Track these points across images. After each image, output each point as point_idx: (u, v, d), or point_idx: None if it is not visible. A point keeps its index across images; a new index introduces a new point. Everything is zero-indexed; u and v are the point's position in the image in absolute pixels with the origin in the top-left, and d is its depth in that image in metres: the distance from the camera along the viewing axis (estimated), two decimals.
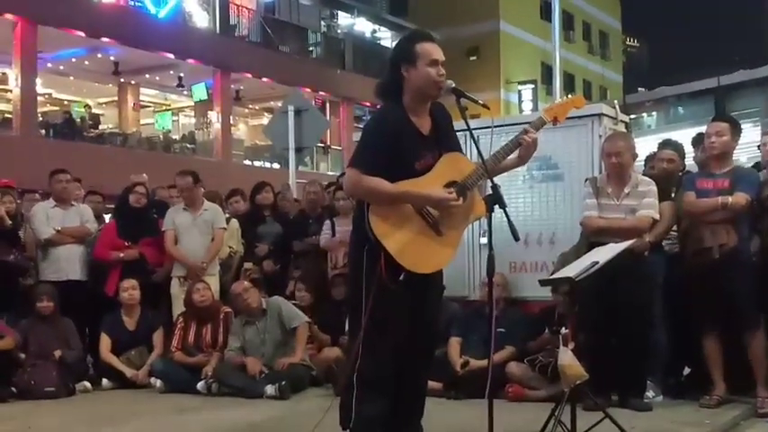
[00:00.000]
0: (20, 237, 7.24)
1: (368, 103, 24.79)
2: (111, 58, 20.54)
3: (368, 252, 3.44)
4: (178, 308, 7.06)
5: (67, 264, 7.15)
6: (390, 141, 3.49)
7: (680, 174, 6.04)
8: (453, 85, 3.60)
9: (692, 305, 5.33)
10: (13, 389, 6.26)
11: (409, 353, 3.59)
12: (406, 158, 3.50)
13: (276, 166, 21.49)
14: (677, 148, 6.12)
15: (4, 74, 19.30)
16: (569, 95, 4.05)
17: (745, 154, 8.78)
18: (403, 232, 3.43)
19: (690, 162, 6.48)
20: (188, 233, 7.23)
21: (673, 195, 5.69)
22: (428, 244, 3.49)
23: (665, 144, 6.16)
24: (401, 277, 3.41)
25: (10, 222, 6.89)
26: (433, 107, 3.68)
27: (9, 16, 17.18)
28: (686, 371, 5.99)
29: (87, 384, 6.64)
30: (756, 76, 11.93)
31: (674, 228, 5.67)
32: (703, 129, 5.75)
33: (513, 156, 3.73)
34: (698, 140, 6.30)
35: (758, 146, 6.57)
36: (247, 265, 7.66)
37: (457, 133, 3.82)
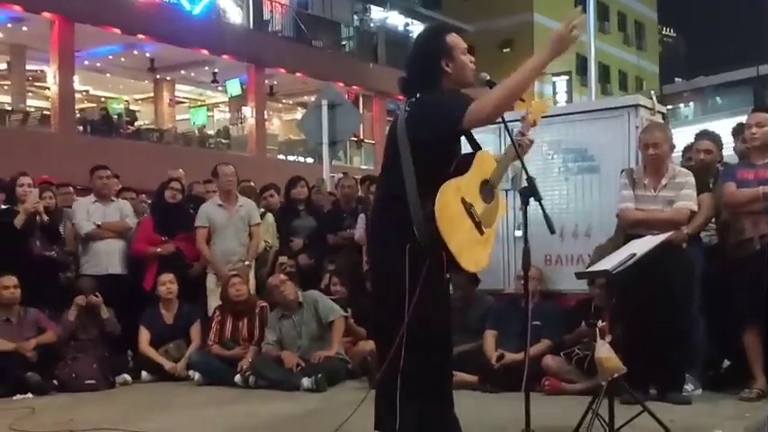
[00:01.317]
0: (60, 232, 7.36)
1: (401, 97, 24.71)
2: (147, 54, 20.79)
3: (410, 250, 3.36)
4: (214, 302, 7.13)
5: (107, 258, 7.26)
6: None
7: (718, 165, 5.97)
8: (488, 77, 3.58)
9: (732, 298, 5.26)
10: (55, 381, 6.37)
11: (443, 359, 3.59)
12: (458, 143, 3.51)
13: (310, 160, 21.61)
14: (715, 138, 6.03)
15: (42, 71, 19.62)
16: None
17: None
18: (461, 231, 3.38)
19: (729, 152, 6.39)
20: (224, 230, 7.30)
21: (711, 186, 5.61)
22: (476, 243, 3.47)
23: (703, 135, 6.08)
24: (448, 275, 3.39)
25: (47, 218, 7.01)
26: None
27: (47, 15, 17.47)
28: (726, 364, 5.92)
29: (127, 377, 6.74)
30: None
31: (713, 220, 5.60)
32: (742, 119, 5.67)
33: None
34: (738, 131, 6.20)
35: None
36: (282, 258, 7.72)
37: (491, 126, 3.83)
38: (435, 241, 3.32)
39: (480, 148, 3.70)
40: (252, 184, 8.92)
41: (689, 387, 5.28)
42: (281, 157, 24.01)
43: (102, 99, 22.68)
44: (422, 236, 3.32)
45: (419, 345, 3.39)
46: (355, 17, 27.07)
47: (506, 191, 3.82)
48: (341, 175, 9.56)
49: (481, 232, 3.47)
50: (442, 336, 3.52)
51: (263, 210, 7.96)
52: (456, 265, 3.38)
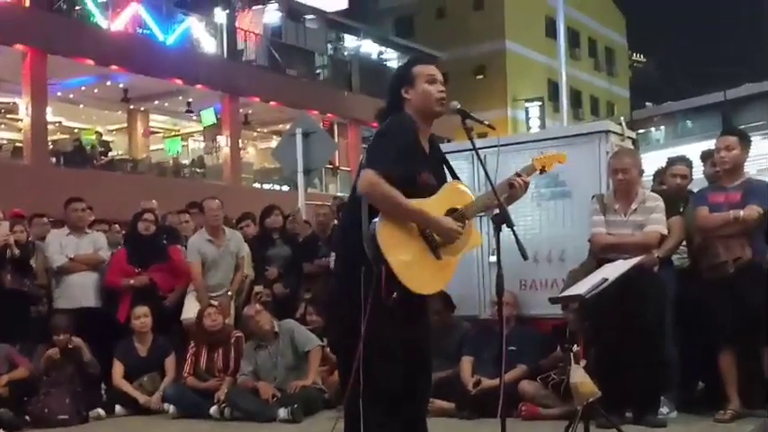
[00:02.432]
0: (31, 266, 7.27)
1: (375, 125, 24.83)
2: (121, 85, 20.73)
3: (365, 273, 3.39)
4: (190, 305, 7.13)
5: (81, 291, 7.19)
6: (403, 147, 3.48)
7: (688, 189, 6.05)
8: (459, 105, 3.63)
9: (706, 320, 5.31)
10: (27, 417, 6.27)
11: (407, 376, 3.57)
12: (412, 169, 3.51)
13: (285, 188, 21.58)
14: (689, 163, 6.13)
15: (14, 103, 19.49)
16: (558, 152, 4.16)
17: (754, 166, 8.77)
18: (406, 250, 3.43)
19: (699, 176, 6.48)
20: (215, 266, 7.27)
21: (681, 210, 5.69)
22: (428, 266, 3.49)
23: (678, 160, 6.16)
24: (394, 295, 3.38)
25: (18, 251, 6.94)
26: (431, 138, 3.72)
27: (19, 47, 17.40)
28: (700, 385, 5.96)
29: (101, 411, 6.64)
30: (763, 89, 11.92)
31: (684, 243, 5.66)
32: (711, 143, 5.75)
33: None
34: (707, 155, 6.29)
35: None
36: (258, 288, 7.69)
37: (463, 153, 3.86)
38: (380, 257, 3.35)
39: (458, 177, 3.75)
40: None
41: (664, 410, 5.30)
42: (257, 185, 23.98)
43: (76, 130, 22.55)
44: (368, 252, 3.36)
45: (375, 363, 3.39)
46: (329, 46, 27.23)
47: (479, 217, 3.84)
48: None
49: (438, 256, 3.49)
50: (396, 352, 3.48)
51: None
52: (400, 282, 3.38)
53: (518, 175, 3.74)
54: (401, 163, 3.44)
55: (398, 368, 3.49)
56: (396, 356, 3.48)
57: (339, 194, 18.05)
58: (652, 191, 5.65)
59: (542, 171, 3.96)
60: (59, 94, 20.06)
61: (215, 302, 6.96)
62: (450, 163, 3.78)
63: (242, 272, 7.45)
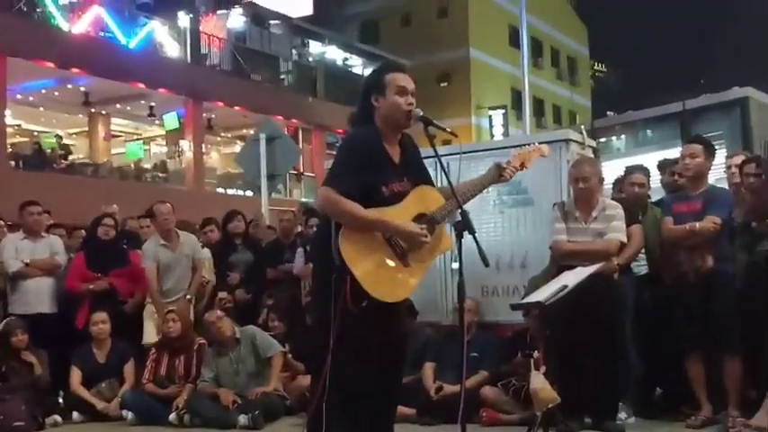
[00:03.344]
0: None
1: (340, 130, 24.89)
2: (82, 88, 20.45)
3: (335, 280, 3.43)
4: (148, 333, 7.02)
5: (36, 297, 7.08)
6: (363, 161, 3.51)
7: (648, 197, 6.14)
8: (421, 113, 3.65)
9: (666, 327, 5.38)
10: None
11: (377, 381, 3.58)
12: (375, 181, 3.53)
13: (249, 193, 21.43)
14: (646, 172, 6.22)
15: None
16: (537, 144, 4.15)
17: (711, 176, 8.90)
18: (371, 259, 3.45)
19: (656, 185, 6.57)
20: (170, 271, 7.17)
21: (640, 218, 5.76)
22: (394, 273, 3.50)
23: (635, 169, 6.25)
24: (364, 303, 3.41)
25: None
26: (403, 138, 3.72)
27: None
28: (658, 391, 6.04)
29: (57, 418, 6.54)
30: (720, 100, 12.19)
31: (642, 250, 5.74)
32: (670, 152, 5.84)
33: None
34: (663, 165, 6.40)
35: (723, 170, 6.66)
36: (222, 294, 7.63)
37: (426, 160, 3.87)
38: (346, 269, 3.38)
39: (432, 184, 3.76)
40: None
41: (622, 415, 5.37)
42: (220, 190, 23.80)
43: (35, 133, 22.19)
44: (337, 264, 3.40)
45: (341, 373, 3.41)
46: (294, 51, 27.15)
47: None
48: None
49: (405, 264, 3.50)
50: (365, 357, 3.50)
51: (201, 244, 7.86)
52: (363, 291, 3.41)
53: (504, 169, 3.83)
54: (360, 178, 3.47)
55: (368, 372, 3.50)
56: (365, 361, 3.49)
57: (304, 200, 18.01)
58: (612, 199, 5.72)
59: (522, 167, 3.95)
60: (19, 96, 19.73)
61: (172, 308, 6.88)
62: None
63: (199, 274, 7.34)
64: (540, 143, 4.06)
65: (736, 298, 5.16)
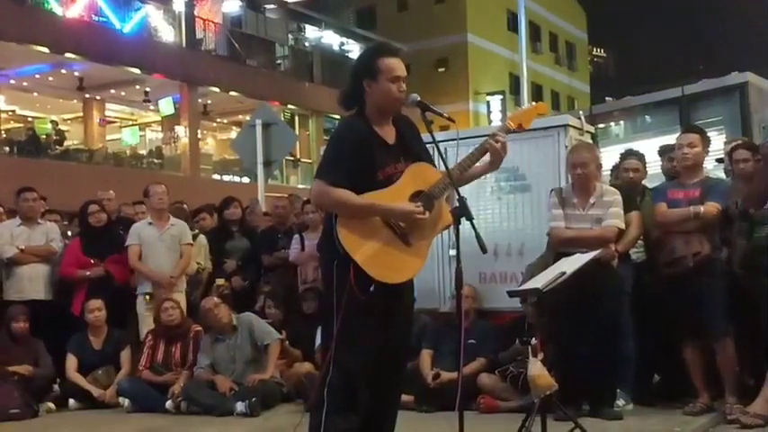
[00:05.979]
0: None
1: (337, 116, 24.82)
2: (76, 73, 20.36)
3: (337, 266, 3.43)
4: (145, 326, 6.97)
5: (31, 283, 7.04)
6: (353, 152, 3.49)
7: (644, 183, 6.10)
8: (418, 98, 3.59)
9: (663, 314, 5.36)
10: None
11: (381, 367, 3.56)
12: (368, 168, 3.50)
13: (246, 180, 21.41)
14: (641, 157, 6.17)
15: None
16: (533, 103, 4.06)
17: (708, 163, 8.86)
18: (371, 243, 3.43)
19: (656, 171, 6.53)
20: (154, 249, 7.12)
21: (638, 204, 5.72)
22: (397, 254, 3.48)
23: (629, 154, 6.20)
24: (371, 288, 3.39)
25: None
26: (396, 117, 3.68)
27: None
28: (656, 378, 6.02)
29: (51, 405, 6.53)
30: (719, 85, 12.10)
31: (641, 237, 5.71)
32: (669, 137, 5.79)
33: (482, 162, 3.71)
34: (664, 150, 6.34)
35: (719, 157, 6.62)
36: (219, 280, 7.59)
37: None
38: (348, 258, 3.39)
39: (432, 161, 3.71)
40: (185, 206, 8.75)
41: (620, 402, 5.35)
42: (216, 176, 23.75)
43: (30, 119, 22.12)
44: (339, 249, 3.40)
45: (344, 359, 3.40)
46: (290, 36, 27.03)
47: None
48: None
49: (407, 243, 3.47)
50: (369, 351, 3.48)
51: (196, 231, 7.82)
52: (369, 276, 3.39)
53: (493, 135, 3.65)
54: (352, 167, 3.45)
55: (370, 357, 3.48)
56: (368, 346, 3.47)
57: (300, 186, 17.96)
58: (610, 185, 5.68)
59: (520, 128, 3.77)
60: (13, 82, 19.66)
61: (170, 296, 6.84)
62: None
63: (186, 258, 7.25)
64: (537, 129, 4.02)
65: (727, 284, 5.15)
